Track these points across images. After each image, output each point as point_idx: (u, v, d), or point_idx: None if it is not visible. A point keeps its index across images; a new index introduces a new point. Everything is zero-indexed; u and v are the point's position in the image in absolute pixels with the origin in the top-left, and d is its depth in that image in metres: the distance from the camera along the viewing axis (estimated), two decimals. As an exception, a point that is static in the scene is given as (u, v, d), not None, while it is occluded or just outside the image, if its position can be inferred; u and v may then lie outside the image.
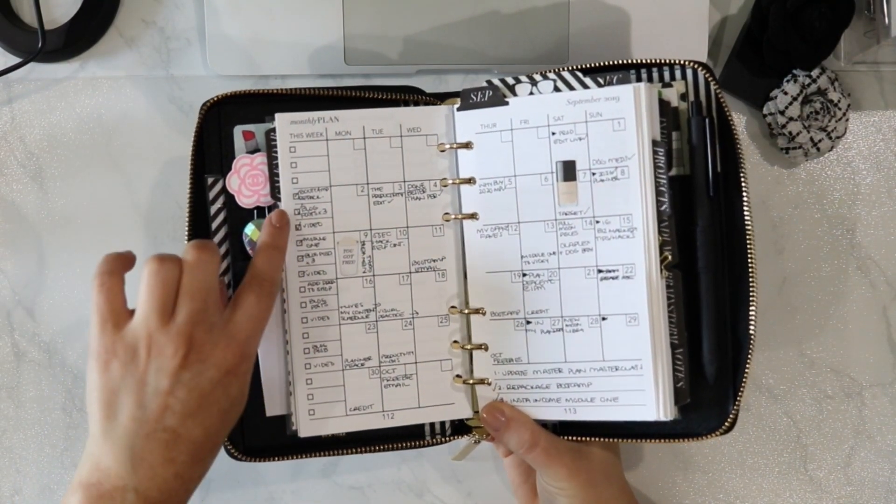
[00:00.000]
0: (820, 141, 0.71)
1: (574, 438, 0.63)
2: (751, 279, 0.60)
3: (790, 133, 0.70)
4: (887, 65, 0.73)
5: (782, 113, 0.70)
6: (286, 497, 0.72)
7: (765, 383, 0.73)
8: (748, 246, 0.60)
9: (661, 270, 0.60)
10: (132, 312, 0.55)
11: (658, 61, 0.62)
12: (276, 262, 0.60)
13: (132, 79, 0.72)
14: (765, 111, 0.72)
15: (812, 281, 0.73)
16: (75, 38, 0.71)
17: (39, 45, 0.69)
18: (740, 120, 0.73)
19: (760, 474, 0.73)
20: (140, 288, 0.55)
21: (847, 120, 0.71)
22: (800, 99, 0.70)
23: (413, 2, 0.70)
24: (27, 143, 0.72)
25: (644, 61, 0.62)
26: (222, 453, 0.59)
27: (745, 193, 0.59)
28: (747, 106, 0.73)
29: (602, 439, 0.63)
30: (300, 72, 0.71)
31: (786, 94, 0.70)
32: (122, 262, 0.56)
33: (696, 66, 0.61)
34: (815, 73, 0.70)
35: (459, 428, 0.65)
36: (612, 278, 0.60)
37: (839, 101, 0.71)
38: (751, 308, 0.60)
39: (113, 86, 0.72)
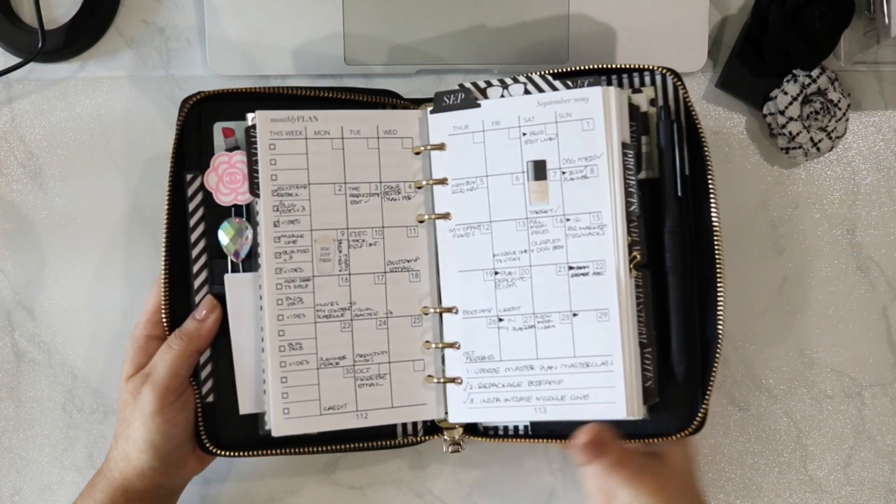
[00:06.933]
0: (820, 141, 0.71)
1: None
2: (719, 279, 0.61)
3: (790, 133, 0.70)
4: (887, 65, 0.73)
5: (782, 113, 0.70)
6: (285, 496, 0.72)
7: (765, 383, 0.73)
8: (716, 246, 0.61)
9: (631, 270, 0.60)
10: None
11: (629, 67, 0.63)
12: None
13: (132, 79, 0.72)
14: (765, 111, 0.72)
15: (812, 281, 0.73)
16: (75, 38, 0.71)
17: (39, 45, 0.69)
18: (740, 120, 0.73)
19: (760, 474, 0.73)
20: None
21: (847, 120, 0.71)
22: (800, 99, 0.70)
23: (413, 2, 0.70)
24: (27, 143, 0.72)
25: (615, 67, 0.63)
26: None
27: (712, 195, 0.60)
28: (747, 106, 0.73)
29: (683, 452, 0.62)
30: (300, 72, 0.71)
31: (786, 94, 0.70)
32: None
33: (665, 72, 0.63)
34: (815, 73, 0.70)
35: (431, 429, 0.66)
36: (583, 275, 0.61)
37: (839, 101, 0.71)
38: (719, 308, 0.60)
39: (113, 86, 0.72)
